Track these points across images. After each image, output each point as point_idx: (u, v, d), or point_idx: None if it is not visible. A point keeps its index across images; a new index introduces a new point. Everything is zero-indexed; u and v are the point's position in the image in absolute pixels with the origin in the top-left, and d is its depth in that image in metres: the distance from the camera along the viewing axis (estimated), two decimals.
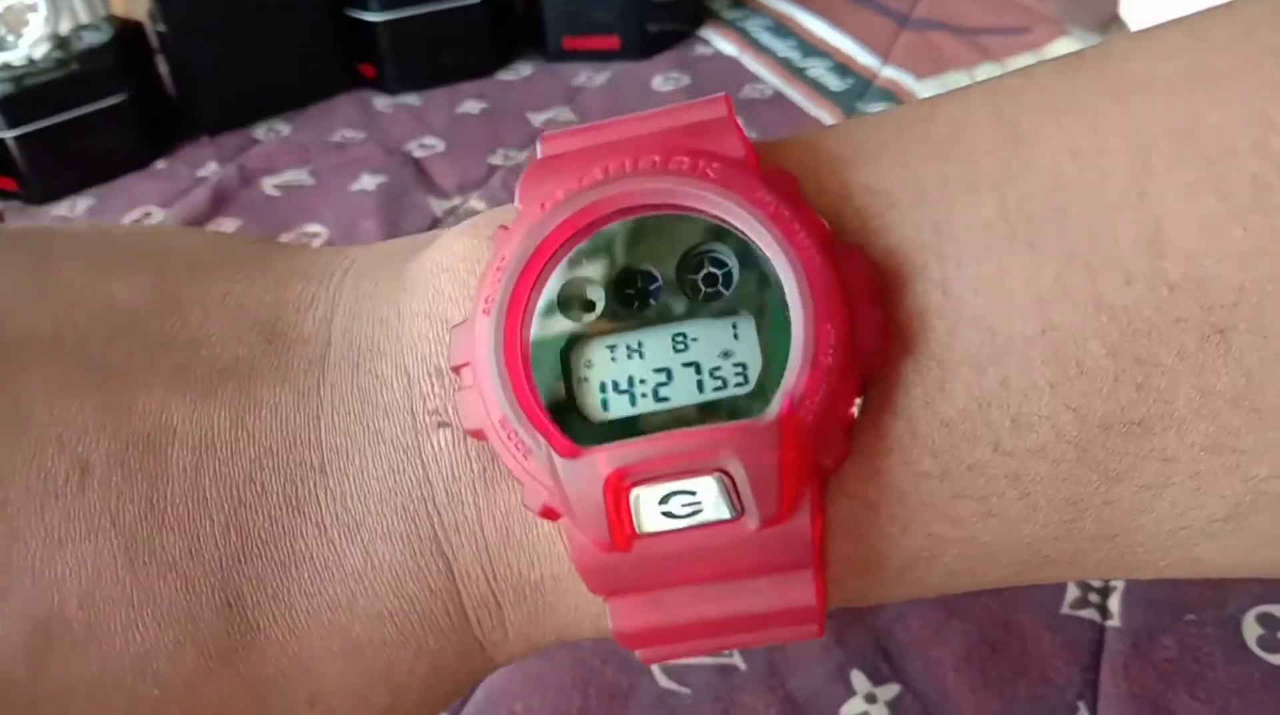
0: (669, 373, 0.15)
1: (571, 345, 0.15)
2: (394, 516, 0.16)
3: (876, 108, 0.56)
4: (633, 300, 0.16)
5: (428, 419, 0.16)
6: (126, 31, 0.60)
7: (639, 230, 0.16)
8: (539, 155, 0.17)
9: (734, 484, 0.14)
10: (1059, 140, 0.15)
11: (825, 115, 0.56)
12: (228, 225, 0.53)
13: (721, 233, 0.15)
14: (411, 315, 0.17)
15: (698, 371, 0.15)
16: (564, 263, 0.16)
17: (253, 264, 0.18)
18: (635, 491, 0.15)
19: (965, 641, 0.30)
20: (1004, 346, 0.15)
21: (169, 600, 0.16)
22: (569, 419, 0.15)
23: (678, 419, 0.15)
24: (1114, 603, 0.30)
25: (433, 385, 0.16)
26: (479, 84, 0.63)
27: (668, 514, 0.15)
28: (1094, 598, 0.31)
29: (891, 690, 0.29)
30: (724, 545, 0.15)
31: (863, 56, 0.61)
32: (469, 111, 0.61)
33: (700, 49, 0.65)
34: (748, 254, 0.15)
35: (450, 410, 0.16)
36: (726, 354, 0.15)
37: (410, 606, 0.16)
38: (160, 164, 0.59)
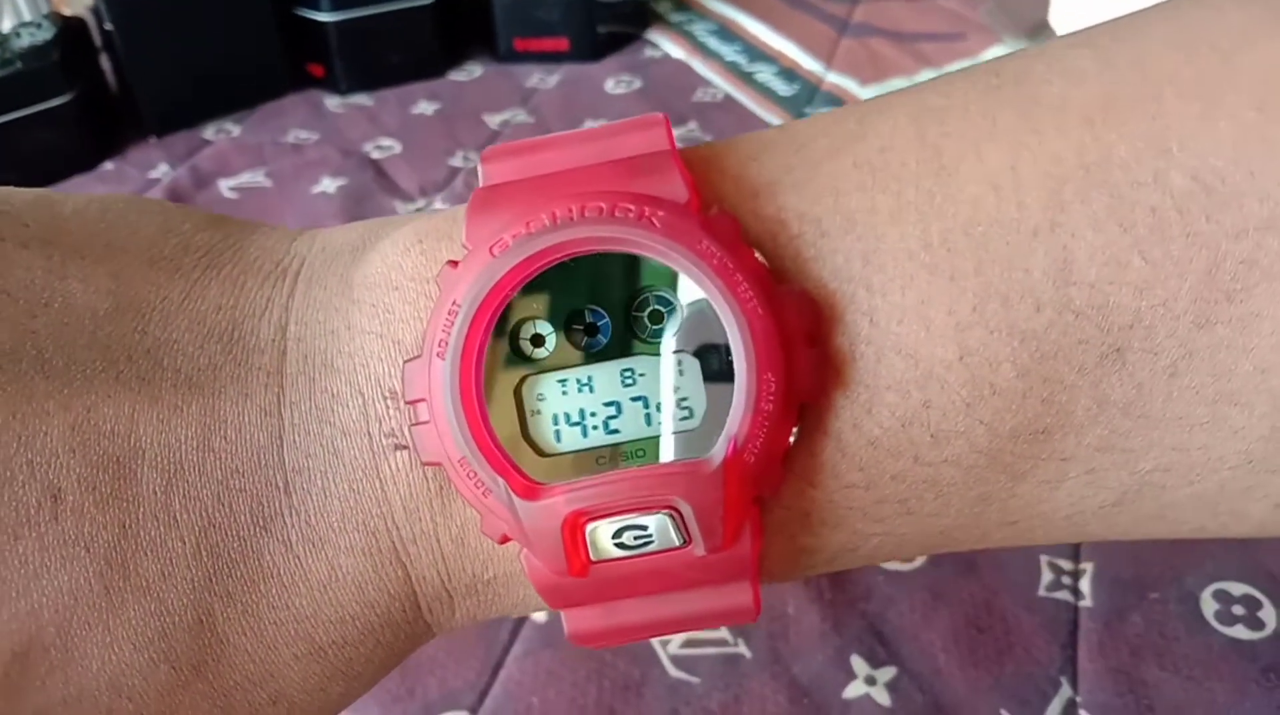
0: (618, 406, 0.16)
1: (524, 380, 0.16)
2: (355, 532, 0.17)
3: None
4: (582, 337, 0.16)
5: (384, 441, 0.17)
6: (69, 29, 0.59)
7: (587, 270, 0.16)
8: (481, 180, 0.17)
9: (682, 518, 0.16)
10: (979, 171, 0.16)
11: (775, 119, 0.58)
12: None
13: (667, 274, 0.16)
14: (362, 333, 0.17)
15: (646, 406, 0.16)
16: (514, 302, 0.16)
17: (207, 257, 0.19)
18: (591, 526, 0.16)
19: (952, 624, 0.32)
20: (925, 371, 0.16)
21: (143, 622, 0.16)
22: (522, 451, 0.16)
23: (628, 452, 0.16)
24: (1085, 584, 0.33)
25: (387, 407, 0.17)
26: (430, 85, 0.63)
27: (620, 545, 0.16)
28: (1066, 580, 0.33)
29: (889, 672, 0.31)
30: (672, 568, 0.16)
31: (807, 62, 0.63)
32: (423, 112, 0.61)
33: (649, 52, 0.66)
34: (692, 297, 0.16)
35: (405, 433, 0.17)
36: (674, 389, 0.16)
37: (370, 610, 0.18)
38: (108, 165, 0.58)
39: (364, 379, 0.17)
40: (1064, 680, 0.30)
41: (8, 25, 0.56)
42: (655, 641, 0.32)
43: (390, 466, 0.17)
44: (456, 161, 0.56)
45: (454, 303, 0.16)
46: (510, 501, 0.16)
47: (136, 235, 0.18)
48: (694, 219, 0.16)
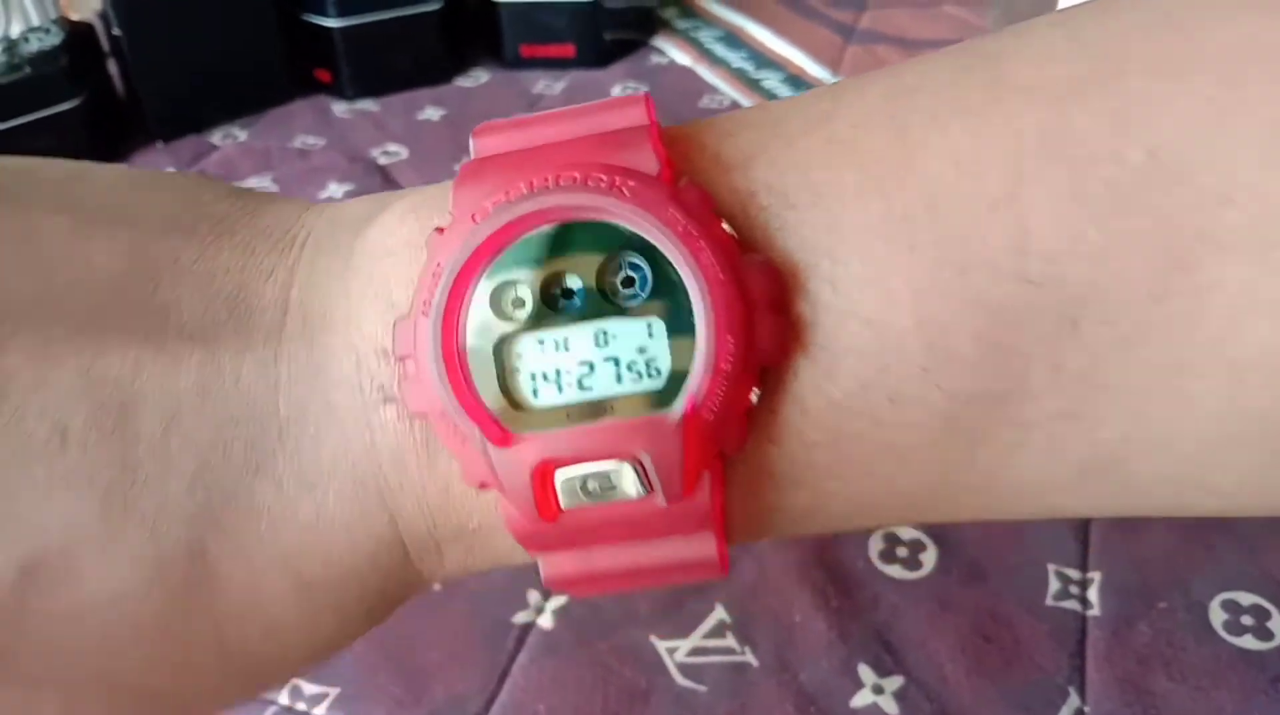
0: (591, 365, 0.17)
1: (504, 340, 0.17)
2: (344, 478, 0.18)
3: None
4: (558, 300, 0.17)
5: (374, 394, 0.18)
6: (77, 34, 0.59)
7: (564, 236, 0.17)
8: (471, 153, 0.18)
9: (644, 469, 0.17)
10: (943, 146, 0.17)
11: None
12: None
13: (637, 241, 0.17)
14: (359, 295, 0.19)
15: (617, 365, 0.17)
16: (495, 266, 0.17)
17: (222, 225, 0.20)
18: (560, 474, 0.17)
19: (959, 633, 0.32)
20: (883, 337, 0.17)
21: (138, 549, 0.17)
22: (501, 405, 0.17)
23: (599, 407, 0.17)
24: (1092, 593, 0.33)
25: (378, 363, 0.18)
26: (436, 91, 0.63)
27: (587, 492, 0.17)
28: (1074, 589, 0.33)
29: (896, 681, 0.31)
30: (637, 517, 0.17)
31: (814, 69, 0.63)
32: (429, 118, 0.61)
33: (655, 59, 0.66)
34: (660, 264, 0.17)
35: (395, 387, 0.18)
36: (642, 350, 0.17)
37: (357, 551, 0.19)
38: None
39: (358, 337, 0.18)
40: (1072, 690, 0.30)
41: (16, 30, 0.56)
42: (662, 650, 0.32)
43: (379, 418, 0.18)
44: None
45: (438, 265, 0.17)
46: (485, 449, 0.17)
47: (159, 205, 0.20)
48: (662, 189, 0.17)
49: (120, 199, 0.20)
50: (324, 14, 0.61)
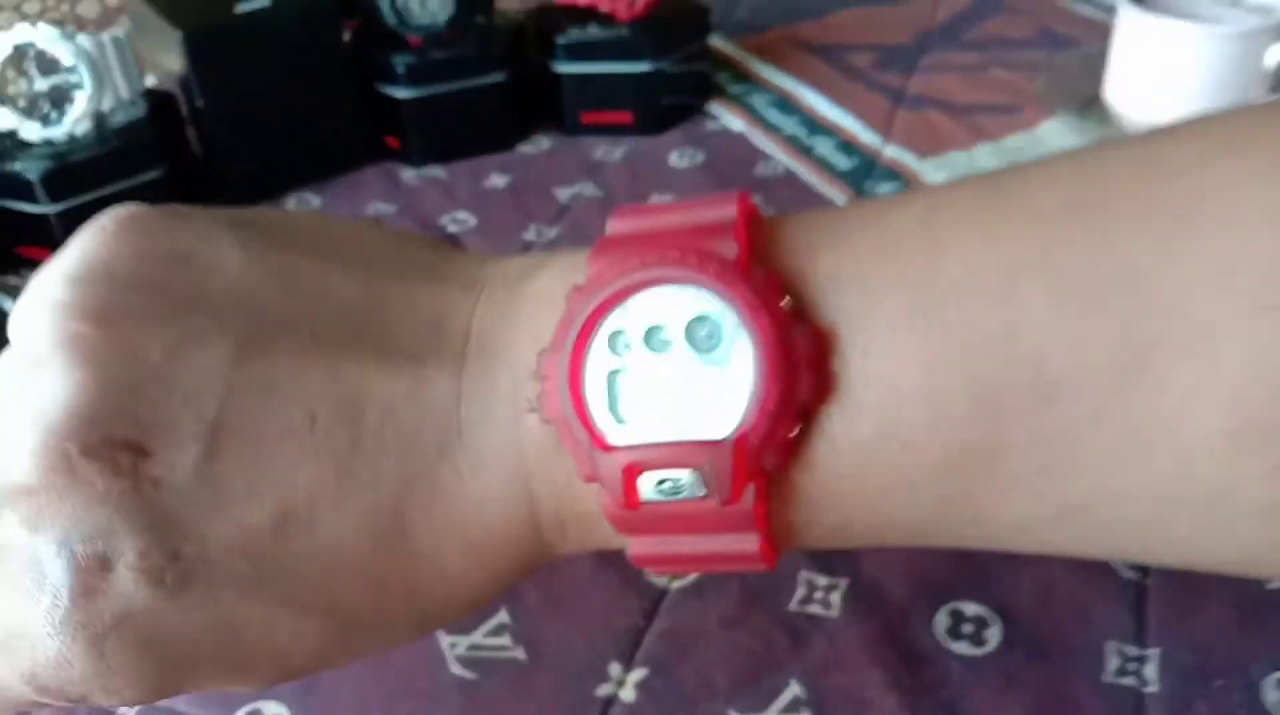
0: (675, 396, 0.23)
1: (614, 372, 0.23)
2: (500, 467, 0.25)
3: (884, 188, 0.60)
4: (658, 345, 0.23)
5: (524, 405, 0.24)
6: (159, 105, 0.62)
7: (665, 300, 0.23)
8: (607, 231, 0.25)
9: (705, 477, 0.22)
10: (960, 252, 0.22)
11: (836, 194, 0.60)
12: None
13: (718, 307, 0.23)
14: (519, 330, 0.25)
15: (693, 397, 0.23)
16: (612, 317, 0.23)
17: (425, 269, 0.27)
18: (642, 475, 0.22)
19: (1024, 711, 0.33)
20: (899, 398, 0.22)
21: (358, 507, 0.24)
22: (607, 419, 0.23)
23: (679, 428, 0.23)
24: (1150, 670, 0.34)
25: (528, 382, 0.24)
26: (501, 157, 0.66)
27: (662, 491, 0.23)
28: (1132, 666, 0.34)
29: None
30: (698, 513, 0.23)
31: (865, 135, 0.65)
32: (496, 185, 0.63)
33: (710, 124, 0.68)
34: (732, 325, 0.22)
35: (537, 402, 0.24)
36: (713, 388, 0.22)
37: (507, 523, 0.25)
38: None
39: (516, 362, 0.25)
40: None
41: (109, 105, 0.59)
42: None
43: (526, 423, 0.24)
44: (530, 235, 0.59)
45: (572, 314, 0.23)
46: (591, 452, 0.23)
47: (381, 251, 0.27)
48: (737, 271, 0.22)
49: (354, 246, 0.27)
50: (395, 84, 0.64)
